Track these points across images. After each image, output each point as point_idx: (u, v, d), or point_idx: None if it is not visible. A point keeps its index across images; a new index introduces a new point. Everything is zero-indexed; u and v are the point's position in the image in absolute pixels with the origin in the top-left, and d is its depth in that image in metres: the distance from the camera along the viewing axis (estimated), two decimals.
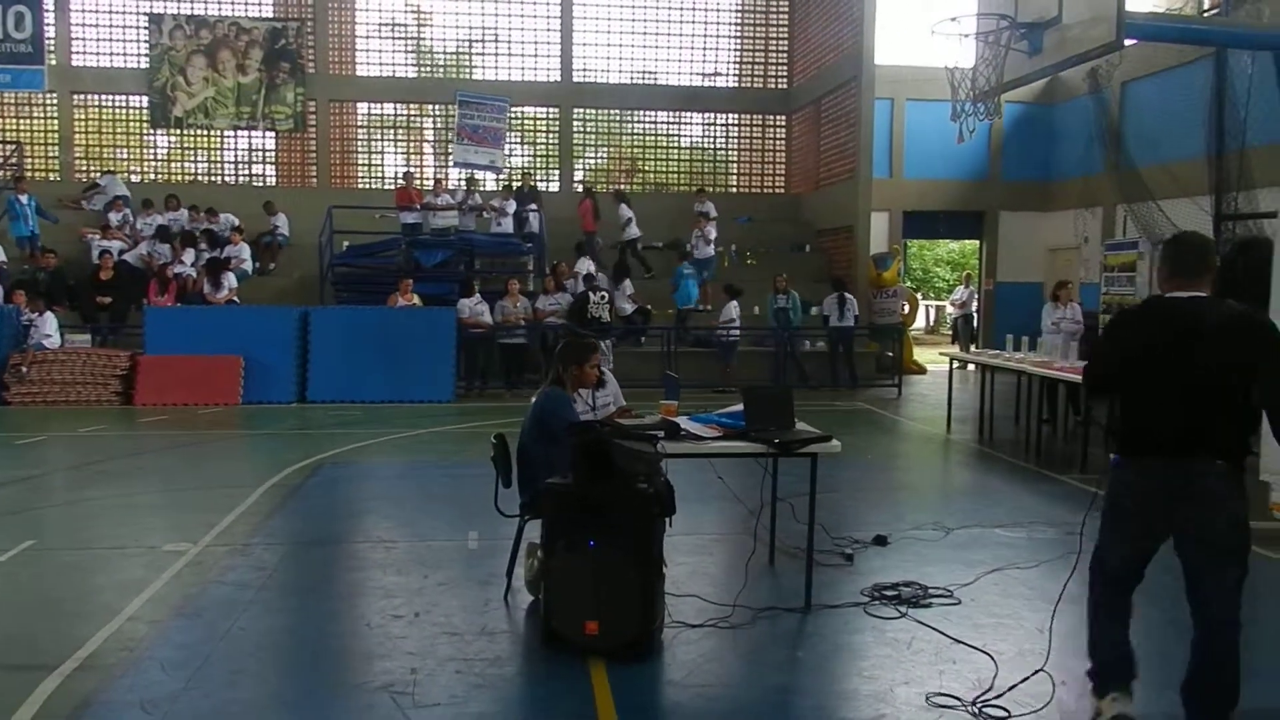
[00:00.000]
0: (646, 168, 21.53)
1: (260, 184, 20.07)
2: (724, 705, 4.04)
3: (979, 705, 3.93)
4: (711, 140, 21.56)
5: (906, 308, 18.28)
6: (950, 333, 21.37)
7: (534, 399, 5.95)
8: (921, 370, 17.80)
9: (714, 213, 17.10)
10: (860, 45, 16.77)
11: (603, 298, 13.59)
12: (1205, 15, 11.86)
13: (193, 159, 20.26)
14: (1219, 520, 3.43)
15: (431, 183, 17.84)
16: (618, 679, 4.17)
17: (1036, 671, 4.10)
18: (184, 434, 10.66)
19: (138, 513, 7.15)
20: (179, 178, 19.80)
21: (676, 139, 21.68)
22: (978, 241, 20.55)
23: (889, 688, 4.15)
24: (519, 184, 18.09)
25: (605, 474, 4.39)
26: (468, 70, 20.56)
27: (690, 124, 21.36)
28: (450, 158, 19.13)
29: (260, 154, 20.32)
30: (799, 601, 5.14)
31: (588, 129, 20.97)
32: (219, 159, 20.35)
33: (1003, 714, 3.88)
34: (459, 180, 18.86)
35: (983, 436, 10.73)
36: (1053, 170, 18.89)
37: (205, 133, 19.87)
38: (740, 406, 5.46)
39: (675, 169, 21.45)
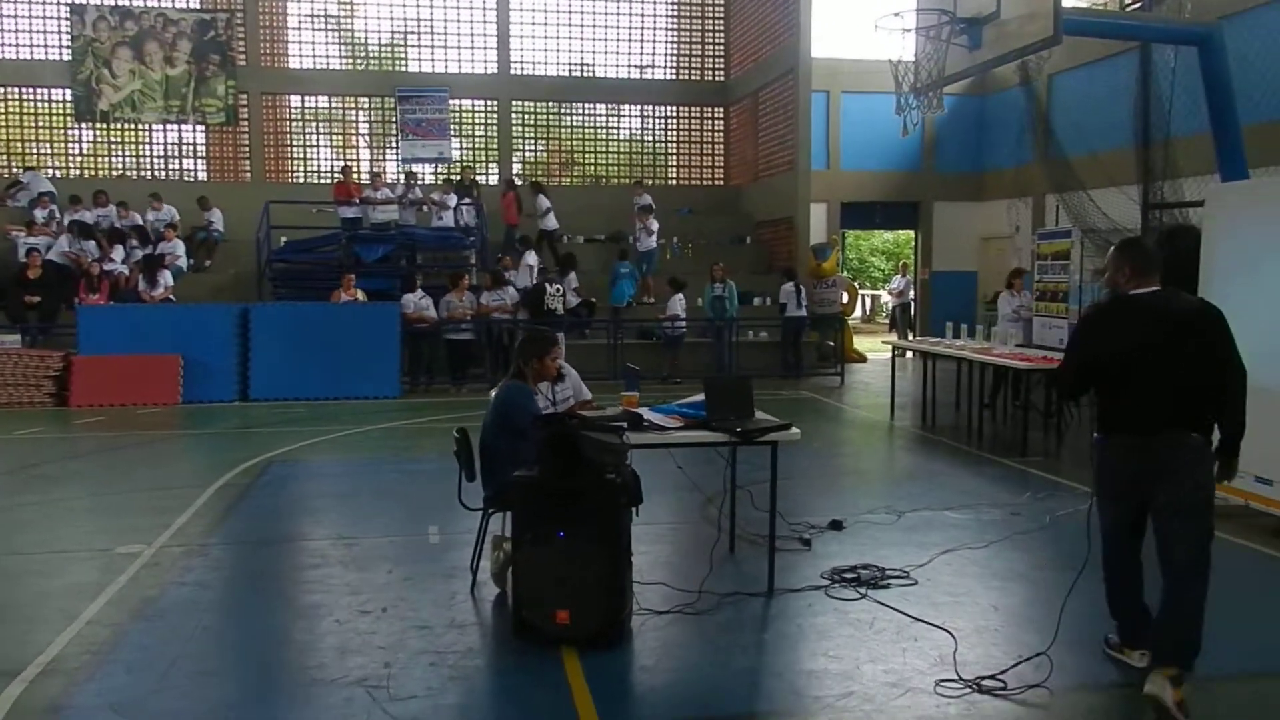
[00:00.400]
0: (584, 160, 21.51)
1: (190, 179, 19.64)
2: (696, 689, 4.12)
3: (979, 681, 4.06)
4: (650, 132, 21.63)
5: (846, 297, 18.57)
6: (888, 321, 21.73)
7: (494, 392, 5.97)
8: (862, 359, 18.11)
9: (651, 204, 17.20)
10: (797, 38, 16.96)
11: (558, 290, 13.59)
12: (1127, 9, 12.21)
13: (120, 154, 19.69)
14: (1187, 483, 3.88)
15: (368, 177, 17.62)
16: (590, 667, 4.23)
17: (1039, 654, 4.22)
18: (124, 435, 10.43)
19: (84, 516, 7.00)
20: (104, 173, 19.26)
21: (615, 131, 21.68)
22: (913, 231, 21.00)
23: (855, 666, 4.27)
24: (458, 178, 17.98)
25: (573, 466, 4.44)
26: (403, 63, 20.32)
27: (628, 116, 21.38)
28: (399, 155, 18.97)
29: (190, 148, 19.86)
30: (761, 586, 5.25)
31: (525, 122, 20.87)
32: (146, 154, 19.84)
33: (999, 685, 4.02)
34: (397, 174, 18.69)
35: (925, 422, 10.98)
36: (985, 161, 19.33)
37: (132, 127, 19.36)
38: (699, 397, 5.56)
39: (613, 161, 21.46)
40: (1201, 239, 7.17)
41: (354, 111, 20.49)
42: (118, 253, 15.02)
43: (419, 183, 17.50)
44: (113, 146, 19.66)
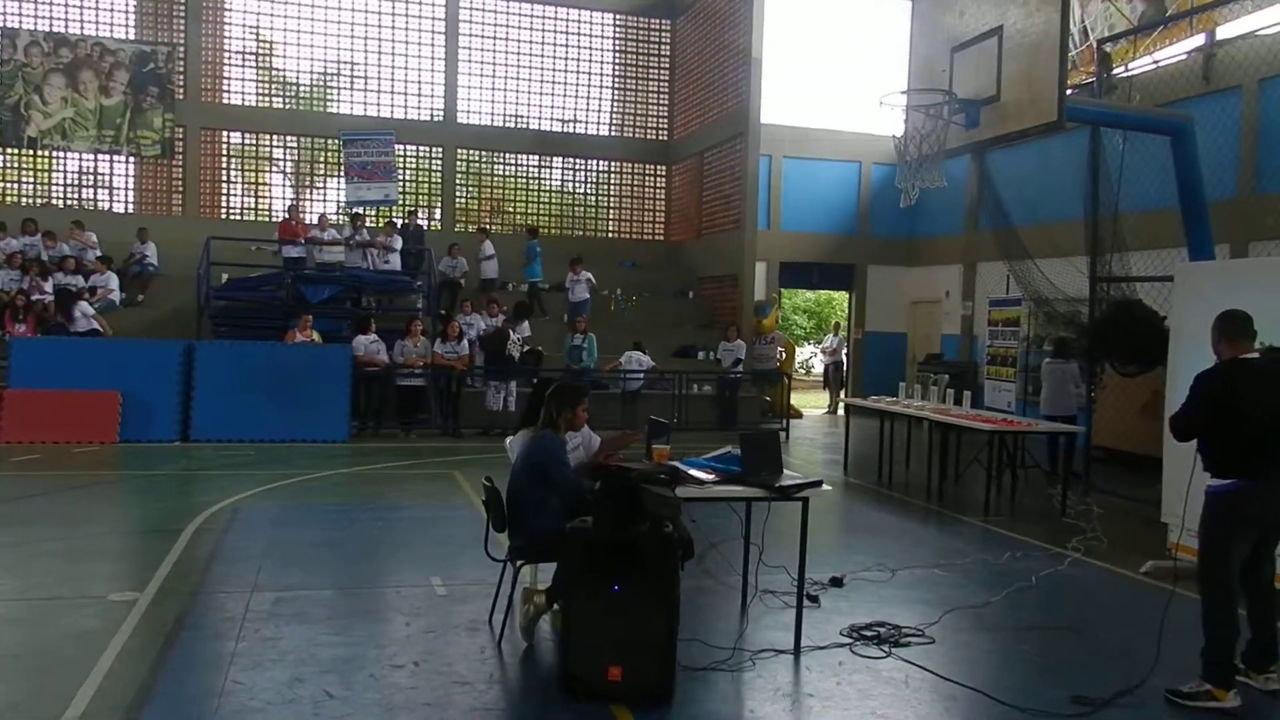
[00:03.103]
0: (515, 209, 21.51)
1: (121, 210, 19.02)
2: None
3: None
4: (588, 186, 21.80)
5: (784, 354, 18.95)
6: (822, 379, 22.20)
7: (513, 440, 5.95)
8: (798, 415, 18.42)
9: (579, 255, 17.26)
10: (747, 104, 17.41)
11: (518, 338, 13.54)
12: (1070, 95, 12.88)
13: (45, 181, 18.97)
14: None
15: (315, 217, 17.34)
16: None
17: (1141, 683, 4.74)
18: (69, 475, 9.94)
19: (59, 560, 6.64)
20: (28, 201, 18.51)
21: (554, 183, 21.77)
22: (839, 291, 21.53)
23: None
24: (404, 221, 17.84)
25: (631, 519, 4.44)
26: (347, 104, 20.13)
27: (570, 169, 21.53)
28: (342, 198, 18.74)
29: (123, 179, 19.26)
30: (787, 643, 5.30)
31: (466, 169, 20.82)
32: (74, 183, 19.17)
33: None
34: (338, 215, 18.45)
35: (880, 479, 11.23)
36: (916, 228, 20.03)
37: (60, 155, 18.70)
38: (721, 450, 5.67)
39: (548, 212, 21.48)
40: (1171, 313, 7.58)
41: (295, 150, 20.17)
42: (49, 284, 14.41)
43: (364, 224, 17.30)
44: (39, 174, 18.93)
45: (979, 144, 7.71)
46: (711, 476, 5.27)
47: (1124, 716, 4.53)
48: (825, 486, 5.34)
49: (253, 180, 20.14)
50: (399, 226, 17.18)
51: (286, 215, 17.01)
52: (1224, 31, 13.05)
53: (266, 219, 19.37)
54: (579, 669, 4.44)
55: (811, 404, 20.98)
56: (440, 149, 20.24)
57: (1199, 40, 13.18)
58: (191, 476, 10.34)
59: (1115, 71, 10.98)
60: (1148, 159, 10.11)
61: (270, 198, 19.96)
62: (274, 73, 20.28)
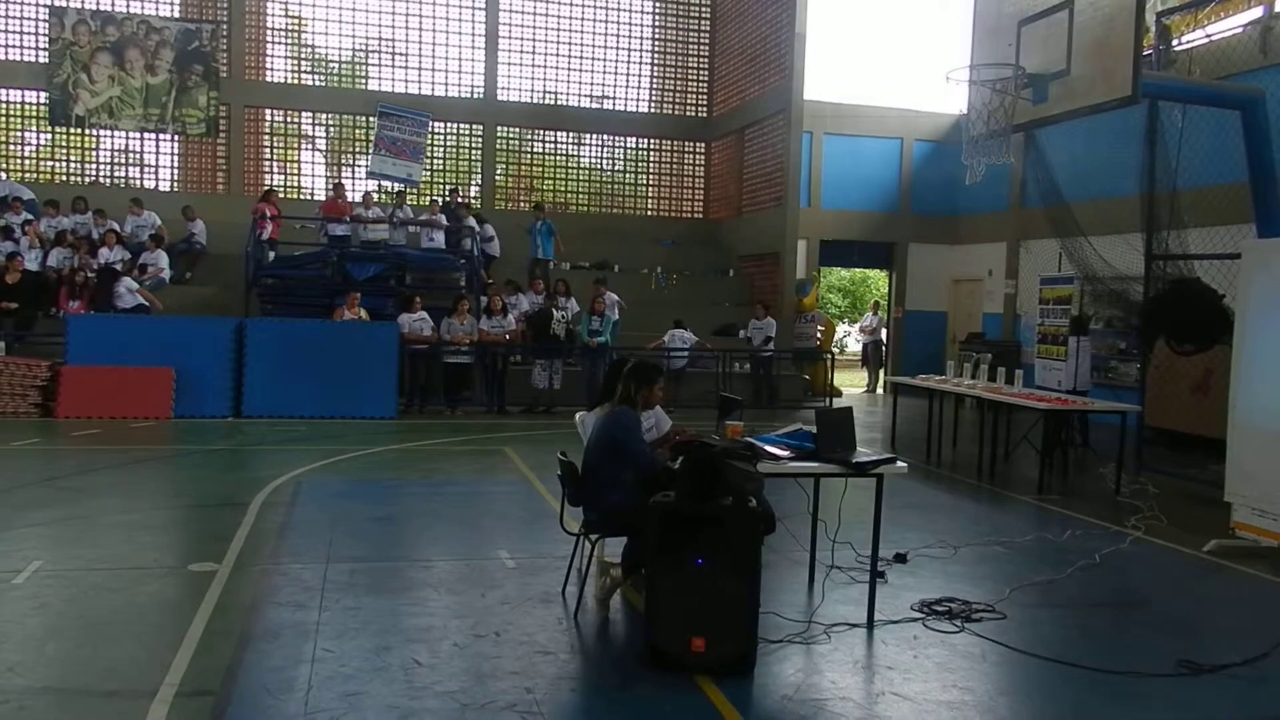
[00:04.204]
0: (558, 188, 21.50)
1: (167, 189, 19.22)
2: (853, 715, 4.15)
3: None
4: (627, 164, 21.75)
5: (823, 332, 18.91)
6: (860, 357, 22.13)
7: (584, 417, 6.00)
8: (838, 393, 18.37)
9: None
10: (790, 80, 17.28)
11: (564, 316, 13.60)
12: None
13: (93, 160, 19.20)
14: None
15: (357, 195, 17.44)
16: (734, 696, 4.25)
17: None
18: (130, 449, 10.12)
19: (133, 531, 6.77)
20: (76, 179, 18.74)
21: (591, 161, 21.71)
22: (878, 270, 21.37)
23: (988, 697, 4.37)
24: (446, 200, 17.91)
25: (714, 491, 4.48)
26: (389, 83, 20.16)
27: (606, 146, 21.47)
28: (366, 168, 18.81)
29: (169, 157, 19.45)
30: (859, 617, 5.33)
31: (497, 148, 20.77)
32: (121, 161, 19.38)
33: None
34: (374, 192, 18.57)
35: (929, 458, 11.20)
36: (959, 206, 19.86)
37: (108, 133, 18.90)
38: (792, 428, 5.70)
39: (586, 190, 21.45)
40: (1237, 290, 7.49)
41: (336, 128, 20.27)
42: (103, 258, 14.62)
43: (407, 203, 17.39)
44: (86, 152, 19.14)
45: (1048, 119, 7.63)
46: (787, 453, 5.30)
47: (1229, 685, 4.52)
48: (900, 464, 5.35)
49: (295, 158, 20.27)
50: (441, 205, 17.25)
51: (332, 193, 17.10)
52: None
53: (309, 198, 19.52)
54: (663, 640, 4.50)
55: (849, 383, 20.90)
56: (481, 126, 20.24)
57: (1257, 13, 12.94)
58: (249, 451, 10.49)
59: (1173, 45, 10.80)
60: (1207, 134, 9.97)
61: (314, 175, 20.08)
62: (316, 50, 20.37)
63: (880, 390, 20.10)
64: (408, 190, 18.42)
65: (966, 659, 4.84)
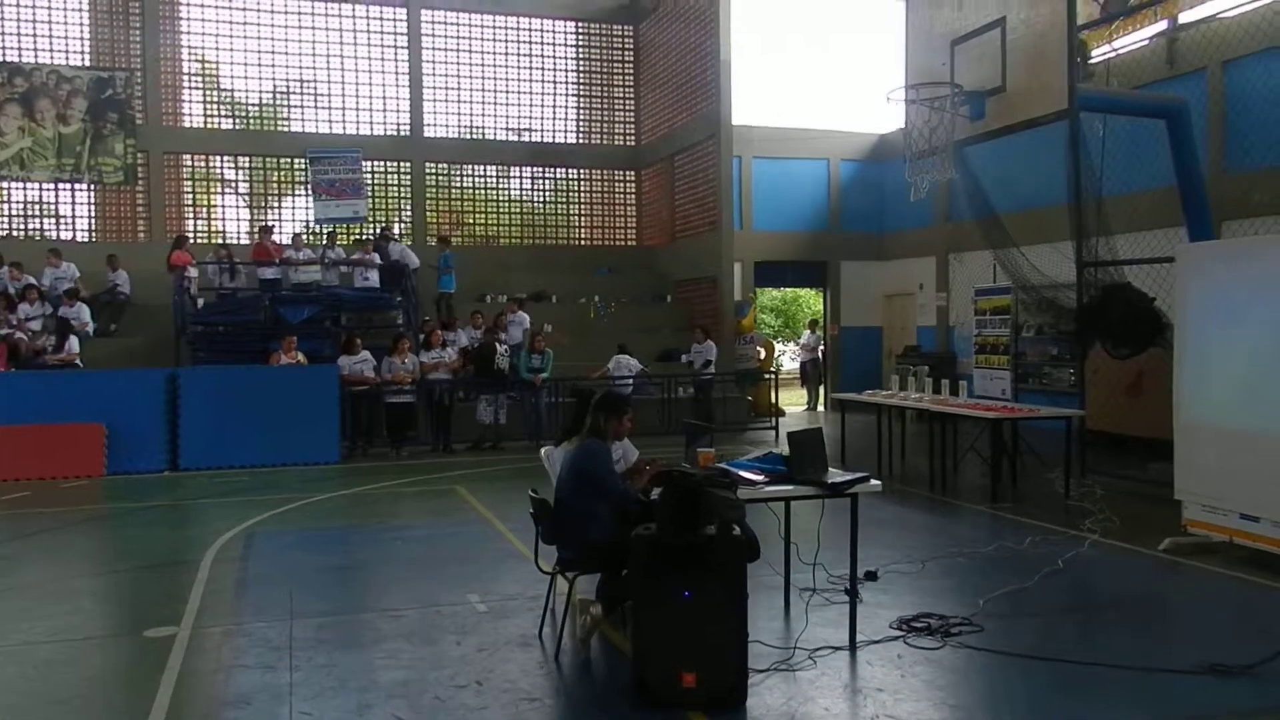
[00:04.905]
0: (483, 220, 21.34)
1: (85, 239, 18.63)
2: None
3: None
4: (558, 195, 21.69)
5: (763, 353, 19.03)
6: (799, 376, 22.33)
7: (550, 451, 5.91)
8: (782, 413, 18.47)
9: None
10: (718, 106, 17.46)
11: (506, 350, 13.44)
12: None
13: (4, 214, 18.52)
14: None
15: (286, 237, 17.11)
16: None
17: None
18: (64, 510, 9.70)
19: (80, 598, 6.46)
20: None
21: (522, 194, 21.63)
22: (812, 289, 21.63)
23: (980, 711, 4.38)
24: (375, 236, 17.65)
25: (696, 521, 4.42)
26: (313, 124, 19.87)
27: (537, 178, 21.42)
28: (311, 215, 18.52)
29: (86, 207, 18.87)
30: (841, 640, 5.30)
31: (426, 184, 20.57)
32: (35, 212, 18.75)
33: None
34: (308, 234, 18.22)
35: (881, 472, 11.28)
36: (887, 222, 20.21)
37: (19, 185, 18.28)
38: (762, 452, 5.69)
39: (519, 222, 21.35)
40: (1174, 294, 7.70)
41: (261, 171, 19.88)
42: (23, 313, 14.08)
43: (338, 243, 17.11)
44: None
45: (988, 135, 7.80)
46: (761, 477, 5.27)
47: (1230, 685, 4.60)
48: (874, 482, 5.35)
49: (218, 203, 19.82)
50: (373, 243, 16.98)
51: (258, 237, 16.74)
52: (1186, 16, 13.31)
53: (235, 242, 19.08)
54: (653, 677, 4.41)
55: (789, 402, 21.04)
56: (408, 163, 20.06)
57: (1162, 25, 13.43)
58: (191, 506, 10.14)
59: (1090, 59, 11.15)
60: (1125, 142, 10.29)
61: (239, 220, 19.65)
62: (235, 94, 20.00)
63: (821, 408, 20.30)
64: (337, 229, 18.13)
65: (953, 674, 4.85)
